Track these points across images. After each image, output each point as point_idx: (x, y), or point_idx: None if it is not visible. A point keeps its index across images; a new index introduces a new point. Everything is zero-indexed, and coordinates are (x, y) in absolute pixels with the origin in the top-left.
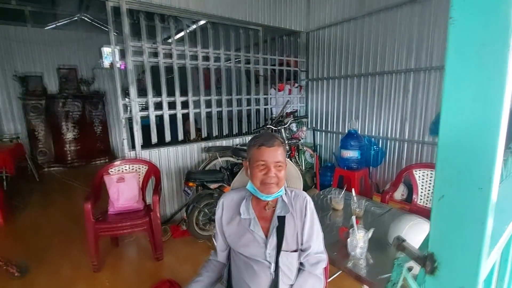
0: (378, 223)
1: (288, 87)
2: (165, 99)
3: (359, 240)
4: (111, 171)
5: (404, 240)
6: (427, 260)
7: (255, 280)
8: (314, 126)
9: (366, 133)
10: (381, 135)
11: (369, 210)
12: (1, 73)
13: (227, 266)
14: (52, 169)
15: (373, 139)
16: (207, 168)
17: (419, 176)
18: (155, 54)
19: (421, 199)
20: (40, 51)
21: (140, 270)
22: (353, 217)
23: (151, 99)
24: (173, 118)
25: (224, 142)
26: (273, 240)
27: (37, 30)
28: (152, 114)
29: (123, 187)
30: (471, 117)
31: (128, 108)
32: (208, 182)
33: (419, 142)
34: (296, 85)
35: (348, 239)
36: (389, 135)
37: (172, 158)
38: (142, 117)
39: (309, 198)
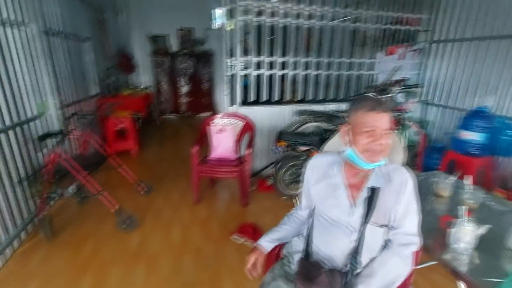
0: (496, 221)
1: (401, 51)
2: (265, 59)
3: (465, 233)
4: (213, 123)
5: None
6: None
7: (336, 243)
8: (427, 98)
9: (502, 113)
10: None
11: (487, 204)
12: (139, 34)
13: (309, 223)
14: (168, 116)
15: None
16: (297, 130)
17: None
18: (260, 13)
19: None
20: (165, 14)
21: (229, 211)
22: (462, 207)
23: (253, 59)
24: (270, 78)
25: (318, 107)
26: (360, 209)
27: None
28: (252, 73)
29: (221, 137)
30: None
31: (232, 66)
32: (297, 144)
33: None
34: (414, 48)
35: (452, 230)
36: None
37: (266, 117)
38: (242, 76)
39: (410, 175)
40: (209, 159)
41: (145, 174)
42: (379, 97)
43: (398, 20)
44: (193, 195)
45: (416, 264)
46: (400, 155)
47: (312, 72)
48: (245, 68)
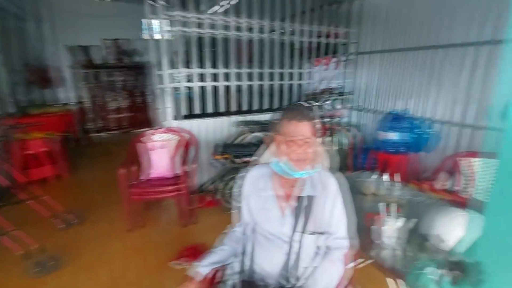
0: (414, 213)
1: (329, 61)
2: (195, 71)
3: (387, 229)
4: (144, 140)
5: (427, 240)
6: (467, 269)
7: (270, 257)
8: (359, 104)
9: (418, 114)
10: (431, 117)
11: (407, 198)
12: (63, 44)
13: (249, 239)
14: (97, 135)
15: (421, 122)
16: (236, 142)
17: (466, 166)
18: (189, 25)
19: (465, 190)
20: (87, 23)
21: (168, 234)
22: (382, 204)
23: (182, 71)
24: (206, 90)
25: (258, 117)
26: (289, 219)
27: (85, 1)
28: (183, 86)
29: (154, 155)
30: None
31: (172, 78)
32: (237, 156)
33: (473, 126)
34: (342, 59)
35: (372, 227)
36: (438, 118)
37: (203, 130)
38: (178, 89)
39: (333, 179)
40: (142, 180)
41: (71, 203)
42: (311, 105)
43: (329, 33)
44: (125, 221)
45: (354, 264)
46: (327, 161)
47: (247, 83)
48: (178, 81)
